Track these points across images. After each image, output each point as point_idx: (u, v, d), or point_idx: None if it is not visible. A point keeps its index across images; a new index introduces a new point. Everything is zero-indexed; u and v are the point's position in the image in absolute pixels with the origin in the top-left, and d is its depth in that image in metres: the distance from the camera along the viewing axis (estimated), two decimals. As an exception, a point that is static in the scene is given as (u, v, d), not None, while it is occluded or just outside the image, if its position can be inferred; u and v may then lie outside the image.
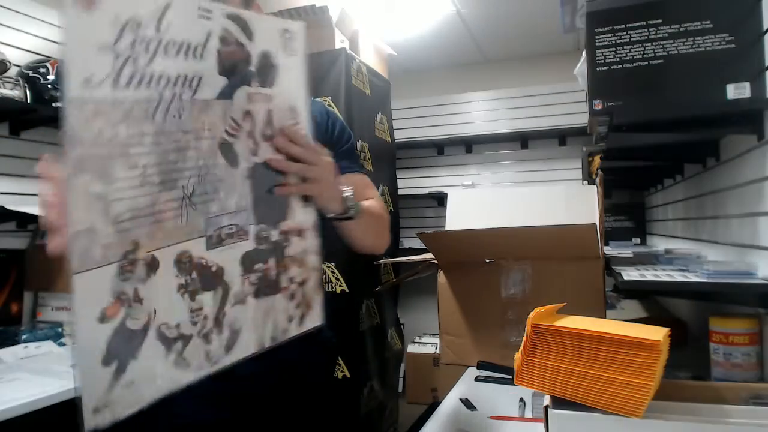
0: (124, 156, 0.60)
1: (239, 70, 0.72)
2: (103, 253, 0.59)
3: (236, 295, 0.75)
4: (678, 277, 1.10)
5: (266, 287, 0.79)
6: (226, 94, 0.71)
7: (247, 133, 0.74)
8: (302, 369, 1.02)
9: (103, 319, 0.60)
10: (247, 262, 0.76)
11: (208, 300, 0.71)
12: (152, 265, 0.65)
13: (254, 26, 0.73)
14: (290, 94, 0.80)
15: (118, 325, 0.61)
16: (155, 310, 0.65)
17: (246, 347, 0.76)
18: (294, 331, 0.83)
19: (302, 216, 0.84)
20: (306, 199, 0.84)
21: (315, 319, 0.87)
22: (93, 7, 0.56)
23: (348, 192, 0.91)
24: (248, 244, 0.76)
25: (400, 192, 3.28)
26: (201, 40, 0.67)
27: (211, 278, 0.72)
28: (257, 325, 0.78)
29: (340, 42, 2.58)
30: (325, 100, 2.45)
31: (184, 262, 0.68)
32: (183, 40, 0.64)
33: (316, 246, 0.87)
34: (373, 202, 1.07)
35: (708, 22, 1.01)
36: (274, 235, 0.80)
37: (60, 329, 2.06)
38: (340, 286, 2.39)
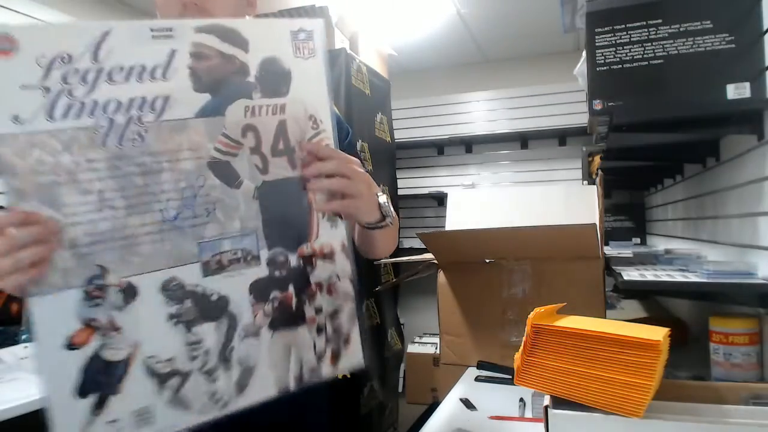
0: (73, 182, 0.60)
1: (229, 83, 0.68)
2: (61, 278, 0.59)
3: (246, 327, 0.69)
4: (678, 277, 1.10)
5: (286, 319, 0.72)
6: (211, 110, 0.67)
7: (250, 149, 0.69)
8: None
9: (69, 345, 0.59)
10: (259, 290, 0.70)
11: (209, 332, 0.66)
12: (129, 292, 0.62)
13: (249, 33, 0.69)
14: (309, 100, 0.73)
15: (92, 355, 0.59)
16: (140, 341, 0.62)
17: (264, 388, 0.69)
18: (328, 372, 0.74)
19: (329, 236, 0.76)
20: (334, 215, 0.76)
21: (353, 358, 0.77)
22: (11, 55, 0.58)
23: (383, 197, 0.82)
24: (259, 271, 0.70)
25: (400, 192, 3.28)
26: (161, 60, 0.64)
27: (211, 308, 0.67)
28: (276, 363, 0.71)
29: (340, 42, 2.58)
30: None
31: (172, 290, 0.65)
32: (133, 65, 0.63)
33: (349, 269, 0.77)
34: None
35: (708, 22, 1.01)
36: (293, 260, 0.73)
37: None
38: (340, 286, 2.39)
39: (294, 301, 0.73)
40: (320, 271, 0.75)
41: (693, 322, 1.57)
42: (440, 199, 3.79)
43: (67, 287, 0.59)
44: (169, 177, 0.65)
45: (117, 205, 0.62)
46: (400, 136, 3.62)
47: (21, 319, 2.09)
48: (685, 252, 1.44)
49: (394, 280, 2.88)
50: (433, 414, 1.18)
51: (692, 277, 1.07)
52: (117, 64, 0.62)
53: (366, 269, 2.56)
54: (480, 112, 3.78)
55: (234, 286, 0.69)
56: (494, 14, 3.04)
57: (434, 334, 3.26)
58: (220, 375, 0.67)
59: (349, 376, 2.68)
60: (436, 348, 3.24)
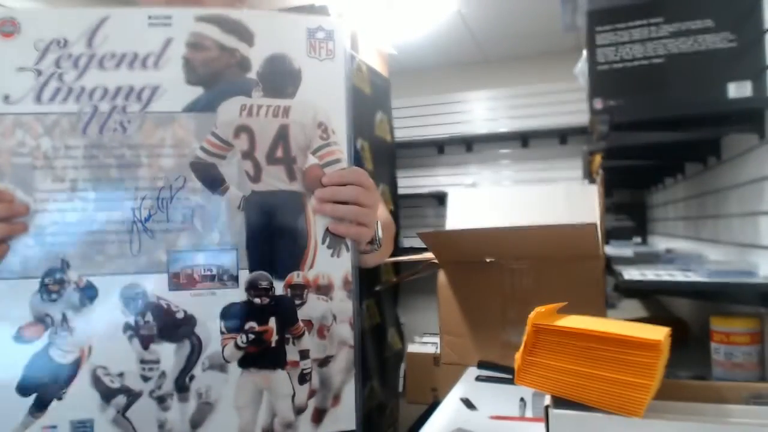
0: (48, 168, 0.59)
1: (226, 78, 0.62)
2: (20, 265, 0.57)
3: (212, 357, 0.61)
4: (679, 276, 1.10)
5: (262, 357, 0.62)
6: (203, 106, 0.62)
7: (242, 153, 0.62)
8: None
9: (18, 337, 0.57)
10: (233, 317, 0.61)
11: (168, 353, 0.59)
12: (88, 293, 0.58)
13: (256, 26, 0.63)
14: (321, 106, 0.65)
15: (39, 351, 0.57)
16: (90, 347, 0.58)
17: (224, 430, 0.61)
18: (305, 430, 0.63)
19: (329, 266, 0.65)
20: (336, 243, 0.65)
21: (342, 419, 0.67)
22: (12, 37, 0.59)
23: (377, 226, 0.77)
24: (236, 294, 0.61)
25: (400, 191, 3.28)
26: (155, 48, 0.61)
27: (173, 326, 0.60)
28: (243, 406, 0.61)
29: (340, 41, 2.58)
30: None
31: (133, 298, 0.59)
32: (126, 52, 0.61)
33: (350, 311, 0.66)
34: (382, 212, 0.89)
35: (709, 20, 1.01)
36: (279, 288, 0.63)
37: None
38: (340, 285, 2.39)
39: (274, 337, 0.62)
40: (312, 307, 0.64)
41: (694, 322, 1.57)
42: (440, 199, 3.78)
43: (26, 276, 0.58)
44: (147, 173, 0.60)
45: (88, 197, 0.59)
46: (401, 135, 3.61)
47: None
48: (686, 251, 1.44)
49: (394, 279, 2.88)
50: (434, 414, 1.17)
51: (693, 277, 1.07)
52: (110, 50, 0.61)
53: (366, 269, 2.55)
54: (480, 111, 3.78)
55: (203, 307, 0.60)
56: (495, 13, 3.04)
57: (434, 334, 3.26)
58: (173, 404, 0.59)
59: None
60: (437, 348, 3.23)
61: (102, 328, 0.59)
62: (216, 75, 0.62)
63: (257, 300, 0.62)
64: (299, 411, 0.63)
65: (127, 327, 0.59)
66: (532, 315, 0.77)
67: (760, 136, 1.06)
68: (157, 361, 0.59)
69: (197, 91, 0.62)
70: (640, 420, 0.65)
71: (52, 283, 0.58)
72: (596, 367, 0.69)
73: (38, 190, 0.59)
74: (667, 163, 1.77)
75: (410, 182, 3.87)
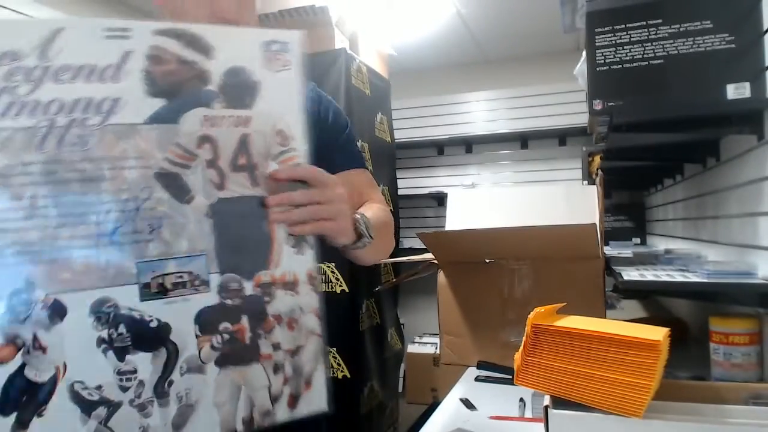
0: (5, 186, 0.56)
1: (186, 90, 0.63)
2: None
3: (189, 360, 0.63)
4: (678, 277, 1.10)
5: (237, 354, 0.65)
6: (164, 117, 0.62)
7: (206, 162, 0.64)
8: None
9: None
10: (207, 320, 0.64)
11: (144, 362, 0.61)
12: (57, 311, 0.58)
13: (214, 41, 0.65)
14: (277, 114, 0.68)
15: (15, 372, 0.56)
16: (65, 364, 0.58)
17: (206, 429, 0.63)
18: (282, 414, 0.67)
19: (293, 263, 0.69)
20: (299, 241, 0.70)
21: (314, 401, 0.70)
22: None
23: (360, 217, 0.80)
24: (209, 298, 0.64)
25: (400, 192, 3.28)
26: (113, 60, 0.60)
27: (148, 336, 0.61)
28: (223, 403, 0.64)
29: (340, 42, 2.58)
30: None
31: (104, 312, 0.59)
32: (83, 64, 0.59)
33: (315, 303, 0.71)
34: (378, 210, 0.94)
35: (708, 21, 1.01)
36: (248, 288, 0.66)
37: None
38: (340, 286, 2.39)
39: (248, 334, 0.66)
40: (280, 303, 0.68)
41: (693, 322, 1.57)
42: (440, 199, 3.79)
43: None
44: (110, 186, 0.60)
45: (49, 214, 0.57)
46: (400, 136, 3.62)
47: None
48: (685, 252, 1.44)
49: (394, 280, 2.88)
50: (433, 414, 1.18)
51: (692, 277, 1.07)
52: (65, 63, 0.59)
53: (366, 269, 2.56)
54: (480, 112, 3.78)
55: (177, 314, 0.62)
56: (494, 14, 3.04)
57: (434, 334, 3.26)
58: (154, 410, 0.61)
59: (349, 375, 2.68)
60: (436, 348, 3.24)
61: (75, 344, 0.58)
62: (177, 87, 0.63)
63: (229, 301, 0.65)
64: (275, 399, 0.67)
65: (100, 341, 0.59)
66: (531, 315, 0.77)
67: (758, 137, 1.06)
68: (134, 371, 0.60)
69: (159, 103, 0.62)
70: (639, 420, 0.65)
71: (18, 305, 0.56)
72: (595, 367, 0.70)
73: None
74: (667, 164, 1.77)
75: (410, 183, 3.87)
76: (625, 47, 1.07)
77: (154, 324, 0.61)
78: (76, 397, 0.58)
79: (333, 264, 2.41)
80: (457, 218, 1.82)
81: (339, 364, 2.37)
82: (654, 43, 1.05)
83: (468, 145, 3.85)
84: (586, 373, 0.70)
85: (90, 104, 0.60)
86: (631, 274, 1.16)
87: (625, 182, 2.36)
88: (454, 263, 1.59)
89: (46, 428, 0.57)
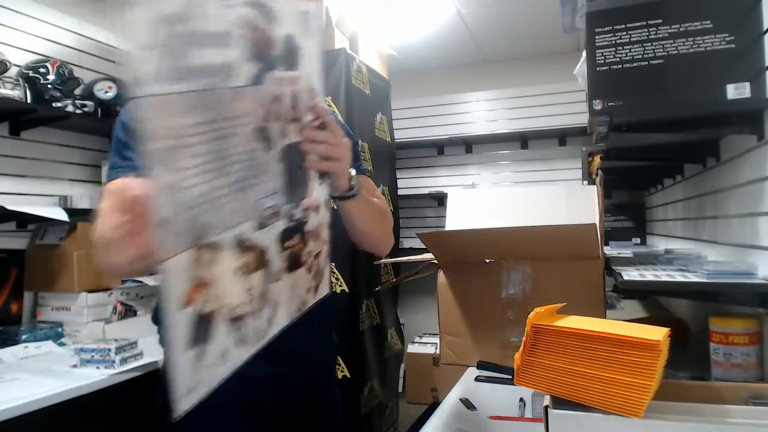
0: (187, 146, 0.60)
1: (265, 55, 0.73)
2: (179, 240, 0.60)
3: (275, 273, 0.79)
4: (678, 277, 1.10)
5: (294, 263, 0.83)
6: (256, 80, 0.72)
7: (275, 116, 0.77)
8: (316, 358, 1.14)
9: (186, 304, 0.62)
10: (282, 240, 0.80)
11: (257, 279, 0.75)
12: (217, 250, 0.67)
13: (276, 10, 0.74)
14: (310, 75, 0.82)
15: (198, 310, 0.63)
16: (222, 293, 0.68)
17: (281, 321, 0.81)
18: (311, 300, 0.90)
19: (318, 192, 0.89)
20: (321, 176, 0.90)
21: (325, 288, 0.93)
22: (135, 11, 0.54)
23: (353, 171, 0.95)
24: (282, 224, 0.80)
25: (400, 192, 3.28)
26: (228, 29, 0.67)
27: (258, 258, 0.75)
28: (288, 299, 0.83)
29: (340, 42, 2.58)
30: (326, 100, 2.45)
31: (241, 245, 0.71)
32: (215, 31, 0.64)
33: (327, 219, 0.93)
34: (376, 199, 1.11)
35: (708, 22, 1.01)
36: (297, 213, 0.84)
37: (60, 329, 2.06)
38: (340, 286, 2.39)
39: (299, 246, 0.84)
40: (312, 222, 0.87)
41: (693, 322, 1.57)
42: (440, 199, 3.79)
43: (184, 249, 0.61)
44: (237, 141, 0.69)
45: (208, 169, 0.65)
46: (400, 136, 3.62)
47: (21, 319, 2.10)
48: (685, 252, 1.44)
49: (394, 280, 2.88)
50: (433, 414, 1.18)
51: (692, 277, 1.07)
52: (208, 29, 0.63)
53: (366, 269, 2.56)
54: (480, 112, 3.79)
55: (269, 238, 0.78)
56: (494, 14, 3.04)
57: (434, 334, 3.27)
58: (263, 314, 0.76)
59: (349, 375, 2.68)
60: (436, 348, 3.24)
61: (227, 276, 0.69)
62: (260, 52, 0.72)
63: (290, 224, 0.83)
64: (308, 290, 0.89)
65: (236, 269, 0.71)
66: (531, 315, 0.77)
67: (758, 137, 1.06)
68: (252, 288, 0.75)
69: (253, 67, 0.71)
70: (639, 420, 0.65)
71: (197, 250, 0.63)
72: (595, 367, 0.70)
73: (182, 169, 0.60)
74: (667, 164, 1.77)
75: (410, 183, 3.88)
76: (625, 47, 1.07)
77: (260, 249, 0.76)
78: (227, 318, 0.69)
79: (333, 264, 2.41)
80: (457, 218, 1.82)
81: (339, 364, 2.37)
82: (654, 43, 1.05)
83: (468, 145, 3.85)
84: (586, 373, 0.70)
85: (221, 68, 0.66)
86: (631, 274, 1.16)
87: (625, 182, 2.36)
88: (454, 263, 1.59)
89: (214, 350, 0.66)
